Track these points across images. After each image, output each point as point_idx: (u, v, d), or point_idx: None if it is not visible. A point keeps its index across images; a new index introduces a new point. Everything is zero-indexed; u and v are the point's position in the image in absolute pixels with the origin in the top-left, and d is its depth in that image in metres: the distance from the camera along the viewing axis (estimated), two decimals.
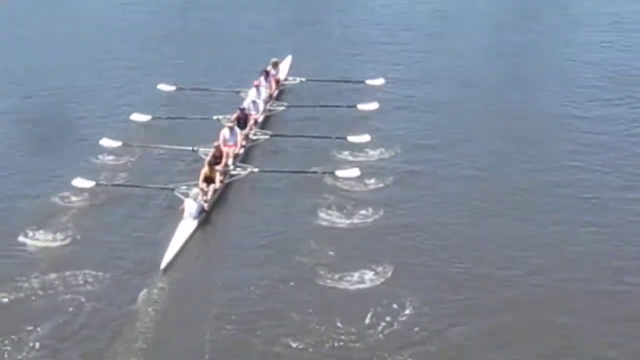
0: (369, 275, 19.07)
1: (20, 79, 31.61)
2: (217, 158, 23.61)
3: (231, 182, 23.55)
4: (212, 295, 18.65)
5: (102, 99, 29.55)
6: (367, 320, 17.66)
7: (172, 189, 22.56)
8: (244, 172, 23.77)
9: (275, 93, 29.28)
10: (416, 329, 17.49)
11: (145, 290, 18.70)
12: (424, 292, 18.56)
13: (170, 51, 34.51)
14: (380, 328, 17.46)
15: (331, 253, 19.96)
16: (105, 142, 25.17)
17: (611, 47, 34.63)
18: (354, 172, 23.17)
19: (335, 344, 17.09)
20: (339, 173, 23.26)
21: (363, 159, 24.38)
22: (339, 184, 23.01)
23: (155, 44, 35.47)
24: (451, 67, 32.09)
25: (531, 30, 37.24)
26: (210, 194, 22.38)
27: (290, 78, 30.55)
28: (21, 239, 20.67)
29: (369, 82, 29.87)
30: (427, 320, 17.72)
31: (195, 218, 21.58)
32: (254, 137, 26.02)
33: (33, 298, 18.54)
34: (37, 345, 17.11)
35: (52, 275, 19.14)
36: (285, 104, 28.56)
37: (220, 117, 26.55)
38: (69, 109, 28.68)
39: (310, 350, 16.98)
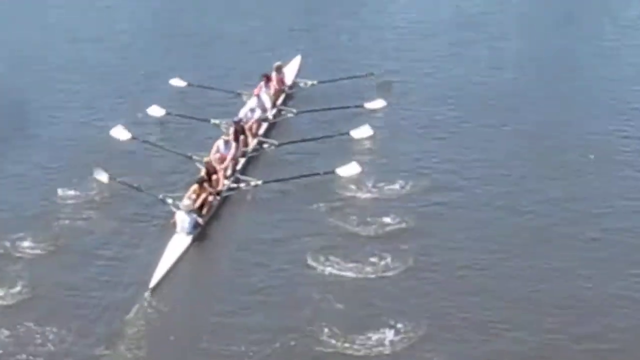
0: (388, 335, 16.73)
1: None
2: (209, 174, 21.74)
3: (232, 194, 22.11)
4: (203, 321, 17.52)
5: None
6: None
7: (162, 199, 21.03)
8: (246, 187, 22.24)
9: (282, 98, 27.26)
10: None
11: (131, 311, 17.60)
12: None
13: (172, 53, 32.34)
14: None
15: (339, 306, 17.66)
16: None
17: None
18: (354, 168, 22.17)
19: None
20: (340, 171, 22.11)
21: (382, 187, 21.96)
22: (350, 210, 20.95)
23: (157, 46, 33.28)
24: (473, 76, 29.22)
25: (571, 36, 33.40)
26: (204, 208, 20.78)
27: (299, 81, 28.40)
28: None
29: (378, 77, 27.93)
30: None
31: (188, 233, 20.13)
32: (257, 148, 24.31)
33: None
34: None
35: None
36: (294, 110, 26.57)
37: (218, 121, 24.88)
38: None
39: None
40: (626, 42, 32.65)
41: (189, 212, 20.13)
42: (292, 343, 16.67)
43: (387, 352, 16.39)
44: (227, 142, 22.96)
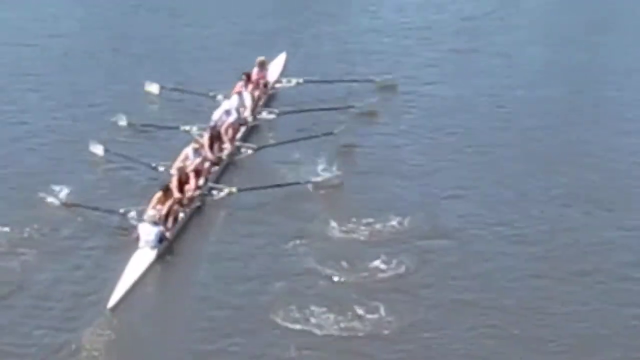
0: None
1: None
2: (181, 184, 20.46)
3: (204, 204, 20.99)
4: (166, 347, 16.57)
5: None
6: None
7: (123, 214, 19.76)
8: (220, 194, 21.12)
9: (264, 99, 25.80)
10: None
11: (88, 333, 16.66)
12: None
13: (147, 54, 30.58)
14: None
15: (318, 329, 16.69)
16: None
17: None
18: (335, 180, 21.52)
19: None
20: (321, 180, 21.46)
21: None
22: (332, 220, 19.81)
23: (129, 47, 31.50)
24: (483, 90, 27.36)
25: (585, 45, 30.93)
26: (170, 219, 19.55)
27: (283, 80, 27.06)
28: None
29: (378, 79, 26.71)
30: None
31: (153, 247, 18.96)
32: (234, 152, 22.99)
33: None
34: None
35: None
36: (276, 110, 25.22)
37: (188, 127, 23.57)
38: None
39: None
40: None
41: (154, 223, 18.89)
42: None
43: None
44: (196, 150, 21.57)
